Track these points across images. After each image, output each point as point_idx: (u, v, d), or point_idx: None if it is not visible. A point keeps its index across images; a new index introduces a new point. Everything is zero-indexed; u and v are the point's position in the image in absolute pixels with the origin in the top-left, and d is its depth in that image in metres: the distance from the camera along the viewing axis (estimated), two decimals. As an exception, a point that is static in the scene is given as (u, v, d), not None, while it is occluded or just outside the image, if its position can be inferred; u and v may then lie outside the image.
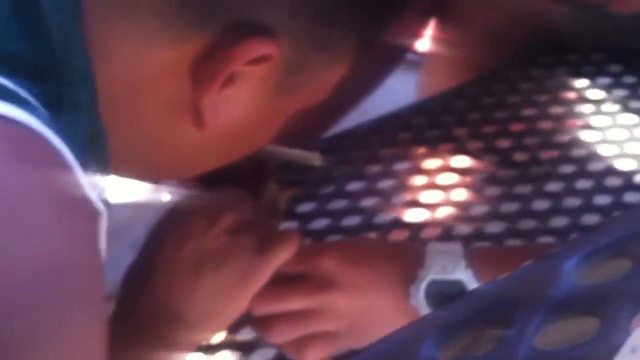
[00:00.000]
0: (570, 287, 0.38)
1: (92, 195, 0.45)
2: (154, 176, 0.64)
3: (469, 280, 0.66)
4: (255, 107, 0.55)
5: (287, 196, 0.85)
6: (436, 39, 1.10)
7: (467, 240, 0.80)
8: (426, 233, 0.83)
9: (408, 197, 0.87)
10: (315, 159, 0.78)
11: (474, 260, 0.68)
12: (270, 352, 0.71)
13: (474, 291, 0.39)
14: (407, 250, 0.72)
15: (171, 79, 0.52)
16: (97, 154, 0.50)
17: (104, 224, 0.47)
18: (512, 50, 1.08)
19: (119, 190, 0.73)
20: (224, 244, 0.65)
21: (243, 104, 0.54)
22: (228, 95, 0.53)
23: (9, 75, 0.44)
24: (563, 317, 0.36)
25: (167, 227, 0.67)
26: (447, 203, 0.86)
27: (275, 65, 0.53)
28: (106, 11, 0.50)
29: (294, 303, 0.69)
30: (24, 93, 0.44)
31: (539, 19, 1.04)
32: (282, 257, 0.67)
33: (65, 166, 0.44)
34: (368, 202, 0.87)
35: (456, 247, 0.69)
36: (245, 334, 0.72)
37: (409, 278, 0.68)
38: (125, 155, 0.54)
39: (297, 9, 0.52)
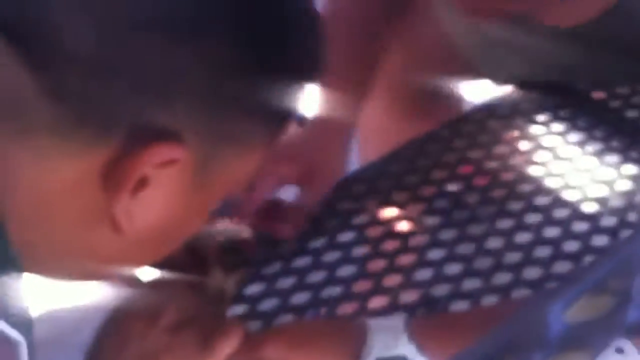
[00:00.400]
0: (561, 326, 0.40)
1: (4, 327, 0.46)
2: (81, 280, 0.64)
3: (413, 354, 0.67)
4: (173, 206, 0.56)
5: (236, 280, 0.85)
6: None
7: (413, 307, 0.82)
8: (373, 303, 0.84)
9: (354, 268, 0.89)
10: (245, 232, 0.78)
11: (416, 332, 0.70)
12: None
13: (485, 337, 0.41)
14: (350, 329, 0.72)
15: (81, 190, 0.52)
16: (13, 275, 0.50)
17: (23, 351, 0.47)
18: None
19: (66, 294, 0.74)
20: (165, 344, 0.66)
21: (159, 205, 0.55)
22: (142, 198, 0.53)
23: None
24: (559, 353, 0.38)
25: (108, 330, 0.68)
26: (393, 270, 0.87)
27: (187, 165, 0.54)
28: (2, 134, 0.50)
29: None
30: None
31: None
32: (225, 351, 0.67)
33: None
34: (315, 277, 0.88)
35: (398, 321, 0.71)
36: None
37: (355, 357, 0.69)
38: (50, 267, 0.55)
39: (196, 111, 0.53)
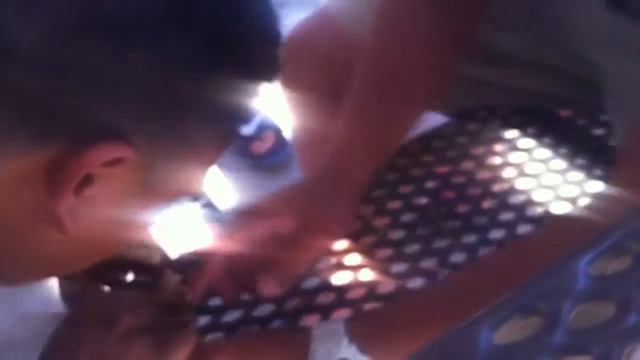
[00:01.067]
0: (489, 349, 0.41)
1: None
2: (20, 280, 0.63)
3: (354, 356, 0.69)
4: (119, 205, 0.55)
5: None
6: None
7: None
8: (336, 315, 0.85)
9: (318, 280, 0.89)
10: (155, 253, 0.79)
11: (356, 333, 0.71)
12: None
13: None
14: (293, 340, 0.73)
15: (25, 188, 0.52)
16: None
17: None
18: None
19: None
20: (118, 351, 0.66)
21: (106, 204, 0.54)
22: (88, 197, 0.53)
23: None
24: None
25: (62, 334, 0.68)
26: (356, 284, 0.88)
27: (134, 165, 0.53)
28: None
29: None
30: None
31: None
32: (178, 359, 0.68)
33: None
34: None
35: (338, 325, 0.72)
36: None
37: None
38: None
39: (145, 112, 0.52)
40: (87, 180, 0.52)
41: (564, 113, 1.10)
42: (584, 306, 0.41)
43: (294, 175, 1.87)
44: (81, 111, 0.50)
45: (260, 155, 1.91)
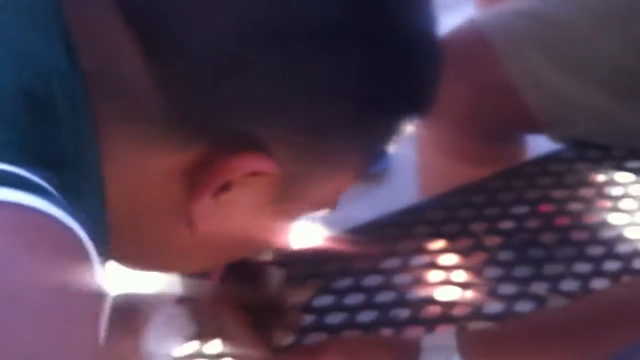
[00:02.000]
0: None
1: (101, 279, 0.45)
2: (145, 269, 0.65)
3: None
4: (253, 215, 0.56)
5: (308, 291, 0.85)
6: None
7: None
8: (441, 330, 0.84)
9: (424, 292, 0.88)
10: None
11: (468, 351, 0.70)
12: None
13: None
14: (402, 347, 0.73)
15: (167, 185, 0.53)
16: (102, 246, 0.50)
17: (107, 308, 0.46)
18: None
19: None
20: None
21: (240, 212, 0.55)
22: (224, 201, 0.54)
23: (27, 165, 0.43)
24: None
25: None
26: (462, 300, 0.87)
27: (275, 179, 0.54)
28: (111, 115, 0.50)
29: None
30: (44, 183, 0.44)
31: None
32: None
33: (84, 254, 0.44)
34: (384, 297, 0.88)
35: (450, 340, 0.71)
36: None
37: None
38: (121, 250, 0.54)
39: (294, 126, 0.52)
40: (227, 186, 0.53)
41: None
42: None
43: (389, 186, 1.88)
44: (235, 119, 0.51)
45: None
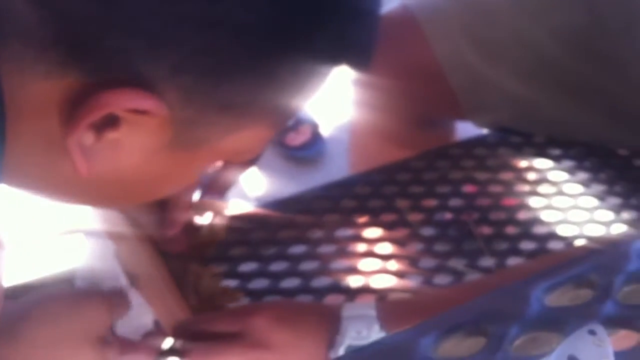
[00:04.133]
0: (540, 307, 0.42)
1: None
2: (43, 197, 0.61)
3: None
4: (148, 157, 0.53)
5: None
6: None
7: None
8: (361, 300, 0.86)
9: (347, 263, 0.91)
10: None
11: (387, 320, 0.72)
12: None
13: (464, 305, 0.43)
14: (326, 314, 0.74)
15: (45, 115, 0.51)
16: None
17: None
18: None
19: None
20: None
21: (131, 153, 0.53)
22: (111, 141, 0.51)
23: None
24: (533, 331, 0.40)
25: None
26: (384, 272, 0.89)
27: (166, 119, 0.51)
28: None
29: (226, 359, 0.72)
30: None
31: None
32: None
33: None
34: (308, 266, 0.90)
35: (370, 310, 0.73)
36: None
37: (329, 344, 0.71)
38: (15, 175, 0.53)
39: (183, 66, 0.49)
40: (112, 123, 0.50)
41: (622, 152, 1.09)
42: (636, 285, 0.42)
43: (323, 170, 1.90)
44: (118, 50, 0.48)
45: (293, 146, 1.92)
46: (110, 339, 0.67)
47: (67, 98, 0.50)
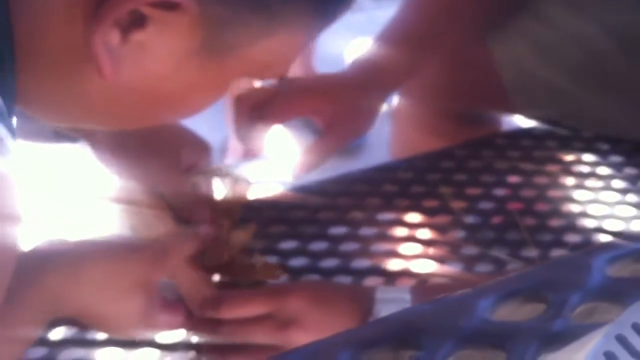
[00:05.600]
0: (482, 321, 0.41)
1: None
2: (62, 121, 0.60)
3: None
4: (175, 63, 0.51)
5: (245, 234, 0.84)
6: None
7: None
8: (400, 283, 0.85)
9: (388, 246, 0.89)
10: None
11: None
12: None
13: (391, 315, 0.42)
14: (359, 296, 0.74)
15: (70, 16, 0.48)
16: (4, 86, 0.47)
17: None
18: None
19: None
20: None
21: (157, 57, 0.50)
22: (137, 44, 0.49)
23: None
24: (472, 347, 0.39)
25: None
26: (424, 256, 0.88)
27: (195, 18, 0.48)
28: None
29: (259, 337, 0.72)
30: None
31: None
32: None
33: None
34: (348, 247, 0.89)
35: (404, 293, 0.72)
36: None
37: (361, 324, 0.70)
38: (34, 95, 0.51)
39: None
40: (139, 23, 0.48)
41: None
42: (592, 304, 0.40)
43: (364, 159, 1.89)
44: None
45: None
46: (154, 292, 0.67)
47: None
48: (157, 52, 0.50)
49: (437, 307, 0.42)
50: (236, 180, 0.79)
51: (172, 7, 0.47)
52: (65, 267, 0.62)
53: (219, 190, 0.78)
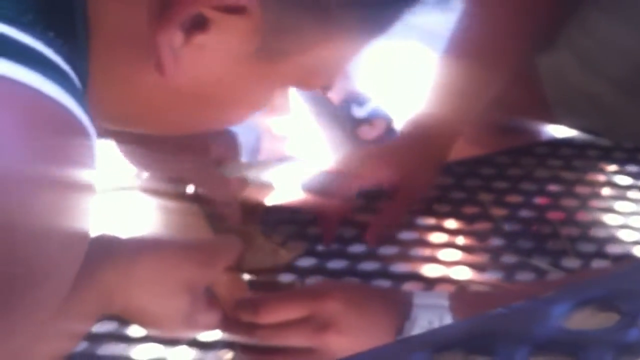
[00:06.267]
0: (556, 329, 0.40)
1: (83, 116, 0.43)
2: (122, 123, 0.61)
3: None
4: (230, 65, 0.51)
5: (292, 253, 0.84)
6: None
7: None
8: (439, 289, 0.84)
9: (427, 252, 0.89)
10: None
11: (460, 312, 0.70)
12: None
13: (465, 319, 0.42)
14: (396, 300, 0.73)
15: (134, 12, 0.49)
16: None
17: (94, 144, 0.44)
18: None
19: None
20: None
21: (215, 59, 0.51)
22: (197, 45, 0.49)
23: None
24: (545, 354, 0.38)
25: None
26: (463, 263, 0.87)
27: (256, 23, 0.49)
28: None
29: (296, 340, 0.72)
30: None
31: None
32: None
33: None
34: (387, 251, 0.88)
35: (443, 300, 0.71)
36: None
37: (397, 330, 0.70)
38: (98, 95, 0.51)
39: None
40: (201, 25, 0.48)
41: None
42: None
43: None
44: None
45: (365, 140, 1.91)
46: (199, 294, 0.67)
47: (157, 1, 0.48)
48: (215, 55, 0.50)
49: (510, 312, 0.41)
50: (260, 180, 0.79)
51: (237, 11, 0.48)
52: (121, 264, 0.62)
53: (247, 186, 0.78)
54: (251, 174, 0.78)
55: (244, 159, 0.78)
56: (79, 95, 0.43)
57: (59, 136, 0.41)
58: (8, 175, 0.39)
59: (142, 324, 0.67)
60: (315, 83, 0.57)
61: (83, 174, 0.43)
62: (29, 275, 0.40)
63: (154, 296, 0.64)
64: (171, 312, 0.66)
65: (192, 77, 0.51)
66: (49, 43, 0.42)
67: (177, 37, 0.49)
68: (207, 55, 0.50)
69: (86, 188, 0.44)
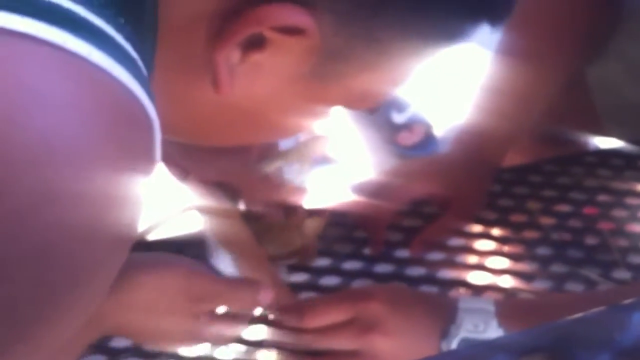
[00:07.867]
0: (637, 336, 0.39)
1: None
2: (173, 134, 0.58)
3: None
4: (283, 85, 0.52)
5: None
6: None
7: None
8: (485, 297, 0.83)
9: (474, 259, 0.88)
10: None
11: (506, 318, 0.70)
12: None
13: (547, 324, 0.40)
14: (442, 304, 0.73)
15: (195, 29, 0.49)
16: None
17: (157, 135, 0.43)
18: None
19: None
20: None
21: (272, 77, 0.51)
22: (254, 63, 0.49)
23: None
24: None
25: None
26: (510, 272, 0.86)
27: (312, 44, 0.49)
28: None
29: (341, 343, 0.72)
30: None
31: None
32: None
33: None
34: (433, 257, 0.87)
35: (489, 305, 0.70)
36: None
37: (442, 333, 0.69)
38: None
39: None
40: (258, 44, 0.48)
41: None
42: None
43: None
44: None
45: (406, 146, 1.90)
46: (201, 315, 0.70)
47: (218, 14, 0.48)
48: (269, 74, 0.51)
49: (592, 318, 0.40)
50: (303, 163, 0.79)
51: (295, 33, 0.48)
52: (117, 287, 0.60)
53: (290, 177, 0.78)
54: (290, 161, 0.78)
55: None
56: (146, 85, 0.42)
57: (127, 125, 0.40)
58: (74, 153, 0.37)
59: (141, 341, 0.70)
60: (362, 105, 0.58)
61: (144, 168, 0.42)
62: (70, 283, 0.37)
63: (153, 317, 0.67)
64: (171, 331, 0.69)
65: (245, 94, 0.51)
66: (119, 28, 0.41)
67: (235, 54, 0.49)
68: (262, 74, 0.50)
69: (144, 183, 0.42)
